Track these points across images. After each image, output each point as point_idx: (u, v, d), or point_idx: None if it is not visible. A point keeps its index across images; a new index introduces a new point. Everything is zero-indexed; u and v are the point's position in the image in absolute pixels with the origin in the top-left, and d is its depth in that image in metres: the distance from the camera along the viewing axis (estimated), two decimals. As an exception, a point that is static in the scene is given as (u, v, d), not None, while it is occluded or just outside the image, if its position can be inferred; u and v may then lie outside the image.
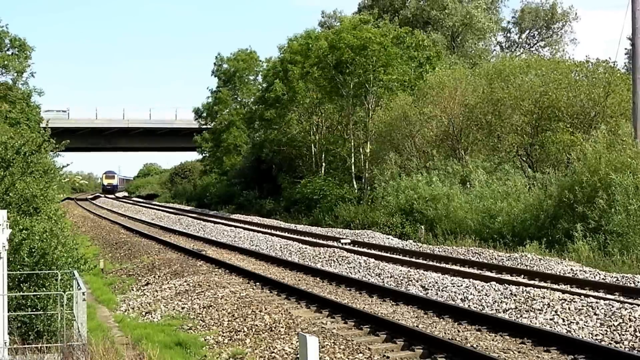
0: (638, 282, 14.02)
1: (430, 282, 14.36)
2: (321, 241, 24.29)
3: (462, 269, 16.57)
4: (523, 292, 12.29)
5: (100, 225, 36.99)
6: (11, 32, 34.77)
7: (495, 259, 18.34)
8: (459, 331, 10.36)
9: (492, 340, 9.80)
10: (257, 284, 15.24)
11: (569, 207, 19.87)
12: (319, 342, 8.10)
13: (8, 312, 8.26)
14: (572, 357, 8.82)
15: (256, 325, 11.02)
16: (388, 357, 9.10)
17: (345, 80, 34.99)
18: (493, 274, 15.58)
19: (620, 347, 9.34)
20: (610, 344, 9.50)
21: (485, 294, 12.68)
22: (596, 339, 9.70)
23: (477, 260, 18.13)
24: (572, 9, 56.88)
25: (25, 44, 34.56)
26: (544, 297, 11.79)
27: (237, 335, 10.65)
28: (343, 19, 43.24)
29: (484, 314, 11.15)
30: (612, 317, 10.41)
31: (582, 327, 10.26)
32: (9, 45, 34.25)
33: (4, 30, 34.11)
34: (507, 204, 23.03)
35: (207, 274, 16.49)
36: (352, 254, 19.28)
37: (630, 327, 9.94)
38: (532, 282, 14.34)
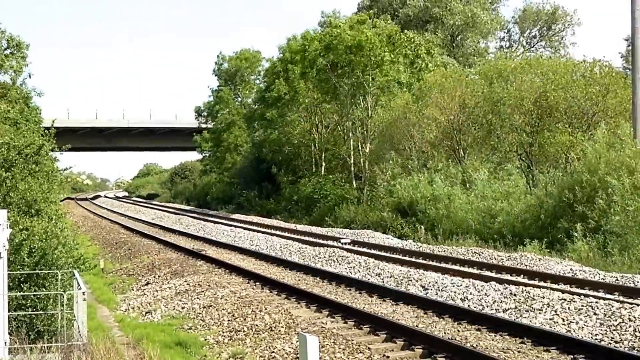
0: (638, 282, 14.02)
1: (430, 282, 14.36)
2: (321, 241, 24.29)
3: (462, 268, 16.56)
4: (523, 292, 12.29)
5: (100, 225, 36.99)
6: (7, 32, 34.66)
7: (495, 259, 18.34)
8: (459, 331, 10.36)
9: (492, 340, 9.81)
10: (257, 283, 15.24)
11: (569, 207, 19.88)
12: (319, 342, 8.11)
13: (8, 312, 8.27)
14: (572, 357, 8.82)
15: (256, 325, 11.03)
16: (388, 357, 9.11)
17: (342, 81, 34.92)
18: (493, 274, 15.58)
19: (620, 347, 9.35)
20: (610, 343, 9.50)
21: (485, 294, 12.69)
22: (596, 339, 9.71)
23: (477, 260, 18.12)
24: (575, 13, 56.78)
25: (21, 43, 34.44)
26: (543, 297, 11.80)
27: (237, 335, 10.67)
28: (332, 21, 42.82)
29: (483, 313, 11.16)
30: (612, 317, 10.41)
31: (582, 327, 10.26)
32: (5, 45, 34.11)
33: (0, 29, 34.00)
34: (507, 203, 23.04)
35: (207, 274, 16.48)
36: (352, 254, 19.28)
37: (630, 327, 9.95)
38: (532, 282, 14.33)
